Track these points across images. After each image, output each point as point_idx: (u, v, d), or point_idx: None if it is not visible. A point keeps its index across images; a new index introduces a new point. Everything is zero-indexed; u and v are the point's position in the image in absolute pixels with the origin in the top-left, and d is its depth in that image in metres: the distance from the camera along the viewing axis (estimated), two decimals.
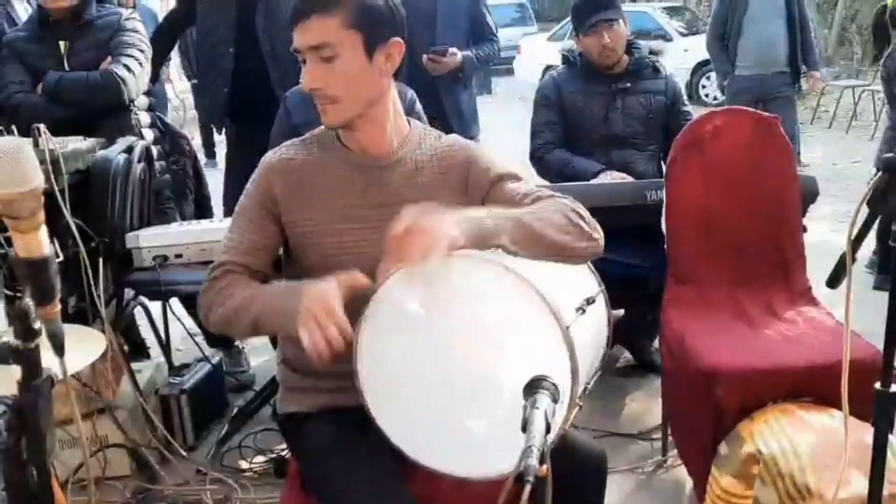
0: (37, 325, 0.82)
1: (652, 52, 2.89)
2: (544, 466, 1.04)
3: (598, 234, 1.36)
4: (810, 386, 1.79)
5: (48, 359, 0.93)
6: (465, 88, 3.30)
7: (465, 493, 1.29)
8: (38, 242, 0.81)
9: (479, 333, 1.20)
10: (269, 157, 1.45)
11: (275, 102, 2.92)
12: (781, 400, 1.80)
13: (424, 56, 3.04)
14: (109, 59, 2.58)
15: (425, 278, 1.18)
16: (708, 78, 10.64)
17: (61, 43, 2.57)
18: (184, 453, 2.39)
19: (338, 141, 1.44)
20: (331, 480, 1.34)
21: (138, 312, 2.79)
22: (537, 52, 11.45)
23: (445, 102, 3.18)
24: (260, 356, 3.16)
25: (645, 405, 2.67)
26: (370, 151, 1.42)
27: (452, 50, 3.06)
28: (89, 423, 2.29)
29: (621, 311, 2.76)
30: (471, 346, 1.20)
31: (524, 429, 1.01)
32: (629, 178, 2.58)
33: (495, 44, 3.32)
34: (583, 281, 1.42)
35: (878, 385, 1.12)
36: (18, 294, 0.86)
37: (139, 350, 2.98)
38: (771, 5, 4.89)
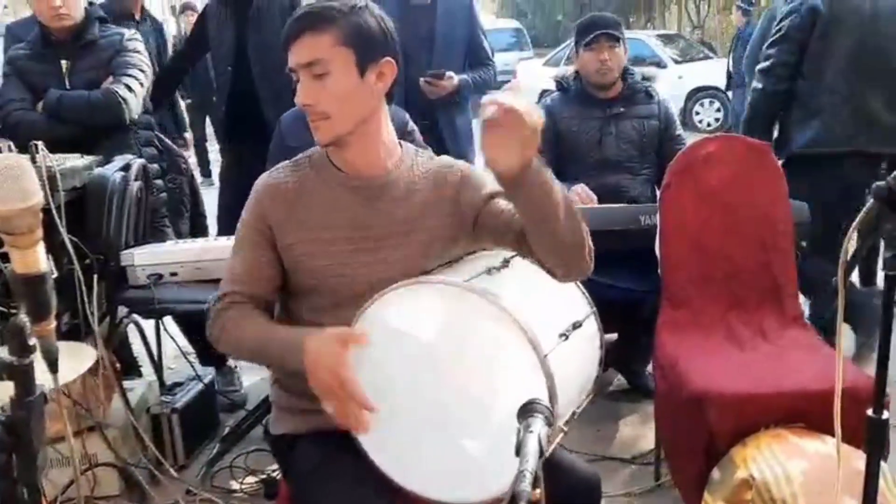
0: (32, 341, 0.82)
1: (645, 78, 2.93)
2: (538, 490, 1.04)
3: (590, 258, 1.37)
4: (803, 412, 1.79)
5: (39, 373, 0.93)
6: (462, 112, 3.32)
7: None
8: (36, 259, 0.82)
9: (464, 360, 1.20)
10: (262, 180, 1.46)
11: (266, 123, 3.00)
12: (774, 425, 1.80)
13: (421, 79, 3.07)
14: (111, 78, 2.60)
15: (412, 304, 1.19)
16: (701, 104, 10.76)
17: (63, 62, 2.59)
18: (174, 473, 2.37)
19: (329, 162, 1.44)
20: (320, 500, 1.33)
21: (131, 330, 2.78)
22: (533, 76, 11.57)
23: (442, 125, 3.20)
24: (253, 375, 3.14)
25: (638, 429, 2.67)
26: (362, 172, 1.43)
27: (449, 73, 3.09)
28: (79, 441, 2.27)
29: (615, 335, 2.77)
30: (456, 371, 1.20)
31: (517, 452, 1.02)
32: (591, 193, 2.58)
33: (492, 68, 3.36)
34: (572, 304, 1.42)
35: (870, 412, 1.13)
36: (13, 310, 0.86)
37: (130, 369, 2.96)
38: None
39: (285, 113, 2.62)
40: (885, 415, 1.13)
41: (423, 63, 3.09)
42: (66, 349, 1.31)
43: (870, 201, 1.07)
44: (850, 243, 1.11)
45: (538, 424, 1.06)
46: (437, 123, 3.19)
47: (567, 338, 1.26)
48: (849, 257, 1.12)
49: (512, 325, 1.14)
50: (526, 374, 1.14)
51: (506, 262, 1.39)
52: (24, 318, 0.81)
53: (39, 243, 0.82)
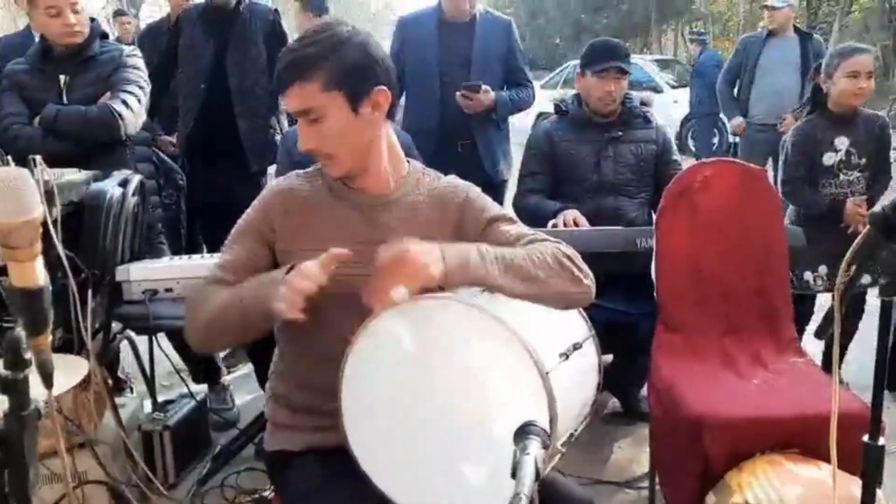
0: (27, 355, 0.82)
1: (643, 103, 2.95)
2: None
3: (590, 280, 1.37)
4: (798, 437, 1.79)
5: (33, 387, 0.92)
6: (498, 129, 3.33)
7: None
8: (34, 272, 0.82)
9: (463, 377, 1.20)
10: (274, 184, 1.49)
11: (235, 142, 3.06)
12: (769, 451, 1.80)
13: (458, 92, 3.09)
14: (108, 94, 2.61)
15: (411, 319, 1.19)
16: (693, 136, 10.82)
17: (62, 77, 2.59)
18: (164, 491, 2.34)
19: (335, 179, 1.46)
20: None
21: (124, 347, 2.76)
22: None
23: (478, 140, 3.22)
24: (245, 394, 3.12)
25: (632, 453, 2.66)
26: (368, 191, 1.45)
27: (485, 87, 3.10)
28: (69, 458, 2.24)
29: (609, 357, 2.77)
30: (455, 390, 1.20)
31: (514, 475, 1.01)
32: (583, 221, 2.60)
33: (530, 90, 3.37)
34: (571, 326, 1.42)
35: (866, 438, 1.13)
36: (9, 324, 0.85)
37: (118, 387, 2.94)
38: (782, 57, 4.94)
39: (290, 129, 2.64)
40: (881, 441, 1.13)
41: (460, 82, 3.12)
42: (58, 362, 1.30)
43: (866, 228, 1.07)
44: (847, 271, 1.12)
45: (534, 447, 1.06)
46: (474, 142, 3.21)
47: (567, 357, 1.26)
48: (844, 284, 1.12)
49: (515, 342, 1.14)
50: (527, 393, 1.13)
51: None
52: (20, 331, 0.81)
53: (38, 257, 0.82)
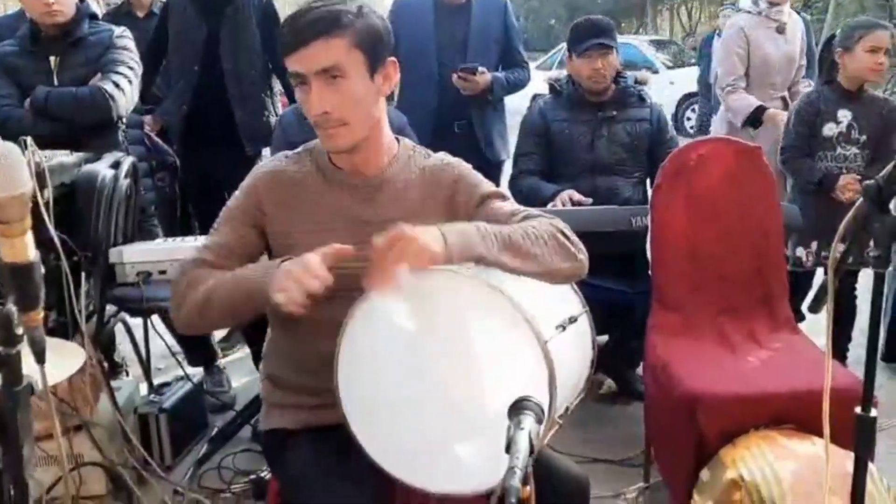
0: (19, 331, 0.81)
1: (637, 82, 2.94)
2: (527, 488, 1.04)
3: (583, 255, 1.37)
4: (792, 413, 1.80)
5: (27, 368, 0.92)
6: (495, 110, 3.32)
7: None
8: (25, 247, 0.81)
9: (461, 349, 1.20)
10: (263, 166, 1.46)
11: (230, 125, 3.04)
12: (763, 427, 1.81)
13: (454, 74, 3.08)
14: (99, 75, 2.59)
15: (408, 293, 1.18)
16: (693, 110, 10.81)
17: (52, 59, 2.56)
18: (161, 473, 2.35)
19: (328, 159, 1.44)
20: (311, 501, 1.32)
21: (119, 331, 2.76)
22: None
23: (474, 121, 3.22)
24: (242, 377, 3.12)
25: (628, 431, 2.67)
26: (360, 171, 1.43)
27: (482, 69, 3.10)
28: (65, 440, 2.25)
29: (605, 337, 2.78)
30: (452, 361, 1.20)
31: (508, 449, 1.02)
32: (586, 200, 2.59)
33: (526, 71, 3.37)
34: (566, 301, 1.42)
35: (858, 409, 1.13)
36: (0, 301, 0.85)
37: (114, 370, 2.94)
38: None
39: (284, 111, 2.62)
40: (874, 412, 1.14)
41: (457, 64, 3.11)
42: (53, 347, 1.29)
43: (859, 200, 1.07)
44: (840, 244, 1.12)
45: (528, 422, 1.06)
46: (471, 123, 3.20)
47: (564, 329, 1.27)
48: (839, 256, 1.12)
49: (513, 312, 1.13)
50: (526, 363, 1.13)
51: None
52: (11, 307, 0.80)
53: (28, 232, 0.81)
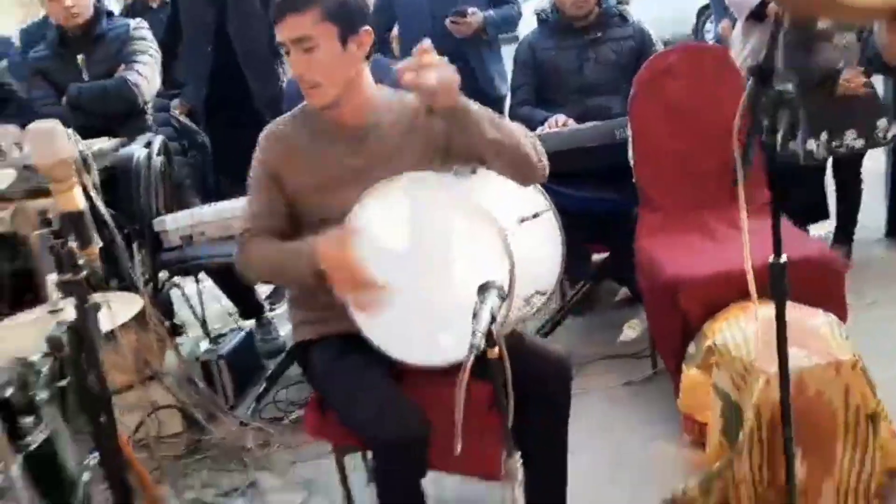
0: (81, 261, 1.09)
1: (619, 2, 3.07)
2: (495, 349, 1.29)
3: (546, 161, 1.59)
4: (765, 284, 1.99)
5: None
6: (491, 49, 3.48)
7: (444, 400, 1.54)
8: (75, 199, 1.08)
9: (440, 250, 1.45)
10: (267, 129, 1.71)
11: (248, 100, 3.27)
12: (741, 300, 2.01)
13: (447, 20, 3.24)
14: (123, 66, 2.87)
15: (391, 201, 1.43)
16: (711, 21, 10.60)
17: (79, 57, 2.85)
18: (226, 410, 2.68)
19: (315, 116, 1.67)
20: (339, 393, 1.60)
21: (177, 298, 3.08)
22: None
23: (474, 64, 3.37)
24: (288, 326, 3.43)
25: (641, 332, 2.89)
26: (347, 122, 1.66)
27: (472, 10, 3.26)
28: (141, 390, 2.59)
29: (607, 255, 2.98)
30: (433, 262, 1.45)
31: (474, 318, 1.26)
32: (571, 122, 2.76)
33: (514, 6, 3.50)
34: (532, 201, 1.65)
35: (771, 259, 1.34)
36: (62, 243, 1.12)
37: (175, 332, 3.28)
38: None
39: (290, 79, 2.85)
40: (783, 259, 1.34)
41: (448, 6, 3.27)
42: (117, 297, 1.59)
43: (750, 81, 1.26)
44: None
45: (491, 297, 1.31)
46: (469, 63, 3.37)
47: (525, 221, 1.50)
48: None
49: (483, 212, 1.37)
50: (490, 250, 1.38)
51: (473, 171, 1.63)
52: (72, 244, 1.08)
53: (76, 187, 1.08)
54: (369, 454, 1.78)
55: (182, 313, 3.32)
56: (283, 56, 3.49)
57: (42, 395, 1.48)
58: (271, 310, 3.55)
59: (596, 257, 3.01)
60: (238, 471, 2.40)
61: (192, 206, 3.12)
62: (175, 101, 3.62)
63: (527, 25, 3.97)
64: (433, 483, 1.66)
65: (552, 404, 1.58)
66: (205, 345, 3.03)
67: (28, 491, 1.46)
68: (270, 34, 3.39)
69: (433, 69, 1.40)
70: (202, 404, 2.68)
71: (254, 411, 2.74)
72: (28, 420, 1.44)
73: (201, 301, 3.02)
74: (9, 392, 1.36)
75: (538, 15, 3.11)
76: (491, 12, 3.38)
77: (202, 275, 2.98)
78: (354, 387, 1.56)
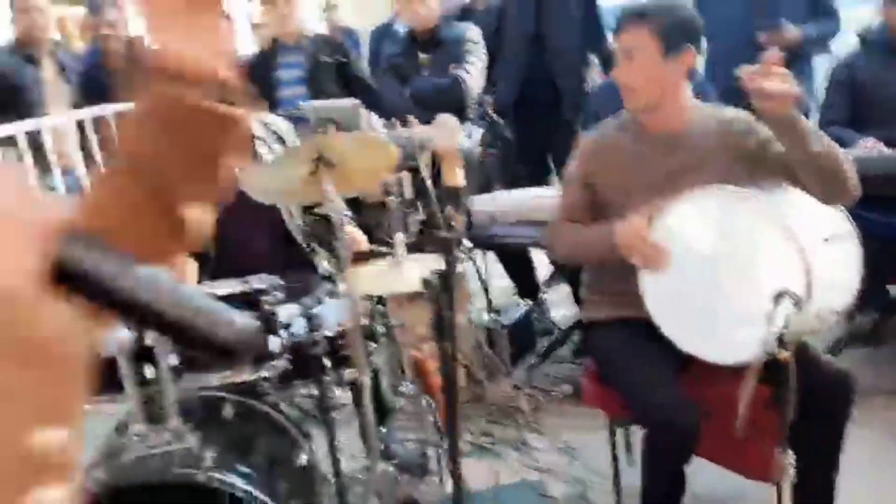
0: (453, 224, 1.43)
1: None
2: (785, 353, 1.41)
3: (857, 182, 1.65)
4: None
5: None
6: (802, 66, 3.39)
7: (722, 394, 1.68)
8: (457, 177, 1.42)
9: (741, 250, 1.60)
10: (589, 136, 1.99)
11: (553, 102, 3.55)
12: None
13: (761, 34, 3.24)
14: (454, 66, 3.33)
15: (702, 204, 1.60)
16: None
17: (423, 55, 3.37)
18: (504, 372, 3.04)
19: (637, 122, 1.89)
20: (622, 371, 1.82)
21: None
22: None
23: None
24: (561, 309, 3.72)
25: None
26: (662, 129, 1.86)
27: (787, 24, 3.23)
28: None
29: None
30: (734, 268, 1.60)
31: (768, 321, 1.40)
32: (881, 146, 2.64)
33: (835, 21, 3.38)
34: (836, 223, 1.71)
35: None
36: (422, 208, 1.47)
37: None
38: None
39: (599, 82, 3.13)
40: None
41: (764, 19, 3.26)
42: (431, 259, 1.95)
43: None
44: None
45: (787, 304, 1.43)
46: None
47: (826, 241, 1.59)
48: None
49: (780, 221, 1.51)
50: (789, 262, 1.51)
51: (780, 187, 1.74)
52: (450, 210, 1.42)
53: (459, 167, 1.42)
54: (636, 438, 1.97)
55: (470, 284, 3.76)
56: (590, 62, 3.85)
57: (380, 329, 1.93)
58: (545, 293, 3.86)
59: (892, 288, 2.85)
60: (511, 426, 2.73)
61: (495, 191, 3.55)
62: (488, 98, 4.08)
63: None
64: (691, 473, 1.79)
65: (831, 417, 1.64)
66: (485, 315, 3.42)
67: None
68: (582, 41, 3.73)
69: (777, 77, 1.54)
70: (484, 364, 3.06)
71: (526, 378, 3.06)
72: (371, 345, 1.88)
73: (486, 275, 3.41)
74: (363, 322, 1.79)
75: (861, 37, 2.99)
76: (811, 30, 3.30)
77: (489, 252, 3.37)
78: (637, 367, 1.76)
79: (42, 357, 0.39)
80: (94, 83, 3.99)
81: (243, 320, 0.46)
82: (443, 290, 1.42)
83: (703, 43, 3.60)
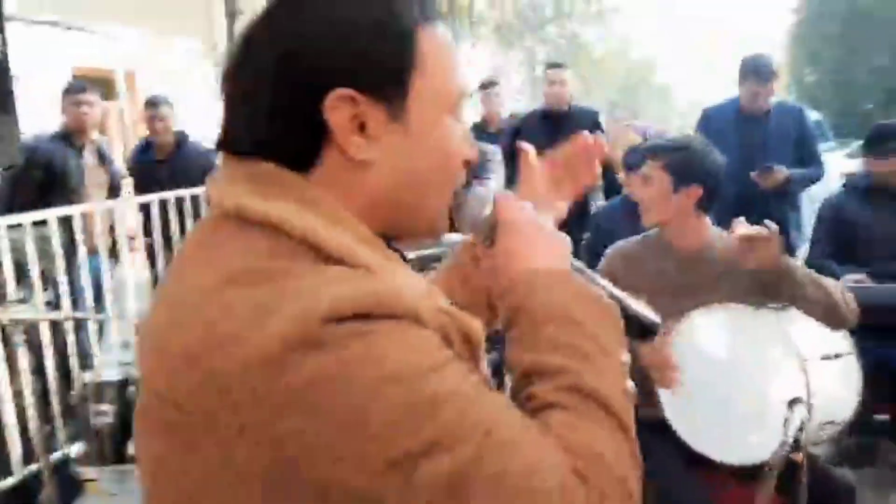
0: None
1: None
2: (800, 455, 1.56)
3: (856, 310, 1.86)
4: None
5: None
6: (792, 204, 3.78)
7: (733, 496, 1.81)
8: None
9: (748, 360, 1.78)
10: (617, 245, 2.19)
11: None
12: None
13: (753, 173, 3.57)
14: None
15: (715, 318, 1.79)
16: None
17: None
18: None
19: (661, 239, 2.11)
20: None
21: None
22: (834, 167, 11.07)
23: (775, 216, 3.63)
24: None
25: None
26: (681, 247, 2.08)
27: (777, 167, 3.58)
28: None
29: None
30: (739, 372, 1.77)
31: (785, 424, 1.55)
32: (867, 281, 2.88)
33: (820, 168, 3.80)
34: (837, 343, 1.91)
35: None
36: None
37: None
38: None
39: (602, 204, 3.38)
40: None
41: (757, 163, 3.60)
42: None
43: None
44: None
45: (801, 411, 1.59)
46: (771, 215, 3.65)
47: (826, 358, 1.77)
48: None
49: (788, 341, 1.69)
50: (791, 373, 1.68)
51: (784, 308, 1.94)
52: None
53: None
54: None
55: None
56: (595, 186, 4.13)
57: None
58: None
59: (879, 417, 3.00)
60: None
61: None
62: None
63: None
64: None
65: None
66: None
67: None
68: None
69: (761, 239, 1.80)
70: None
71: None
72: None
73: None
74: None
75: (845, 184, 3.30)
76: (798, 174, 3.64)
77: None
78: (650, 465, 1.88)
79: None
80: (143, 172, 4.26)
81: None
82: None
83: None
